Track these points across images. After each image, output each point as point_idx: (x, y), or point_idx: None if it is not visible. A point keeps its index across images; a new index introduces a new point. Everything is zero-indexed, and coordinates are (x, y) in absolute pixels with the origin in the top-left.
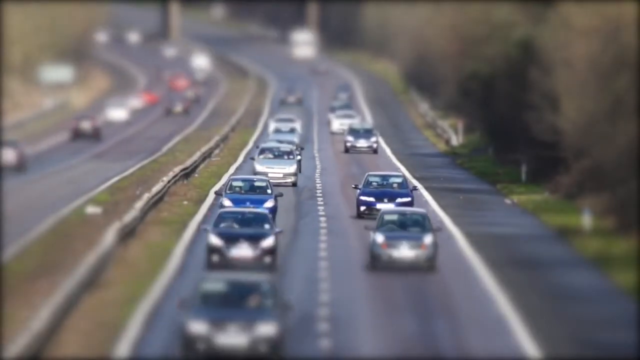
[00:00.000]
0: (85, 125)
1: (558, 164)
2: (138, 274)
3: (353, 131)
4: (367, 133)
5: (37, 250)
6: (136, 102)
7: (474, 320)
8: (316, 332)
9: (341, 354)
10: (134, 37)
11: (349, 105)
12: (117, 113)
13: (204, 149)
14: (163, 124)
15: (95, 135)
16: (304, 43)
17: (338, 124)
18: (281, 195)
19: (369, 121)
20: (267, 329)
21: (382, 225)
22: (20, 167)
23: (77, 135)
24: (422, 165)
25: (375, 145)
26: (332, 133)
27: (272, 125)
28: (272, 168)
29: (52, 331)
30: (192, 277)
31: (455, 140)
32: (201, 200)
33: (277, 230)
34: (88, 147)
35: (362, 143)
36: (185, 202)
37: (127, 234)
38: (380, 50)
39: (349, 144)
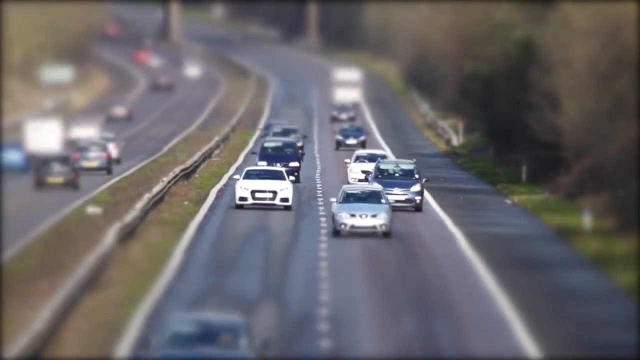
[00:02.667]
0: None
1: (558, 164)
2: (138, 274)
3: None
4: (357, 131)
5: (37, 251)
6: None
7: (474, 320)
8: (316, 332)
9: (341, 354)
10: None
11: (361, 130)
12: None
13: (205, 149)
14: (163, 124)
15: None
16: (348, 83)
17: (358, 170)
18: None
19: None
20: None
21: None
22: (25, 168)
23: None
24: (422, 166)
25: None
26: (352, 180)
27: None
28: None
29: (53, 331)
30: (193, 276)
31: (456, 141)
32: (201, 201)
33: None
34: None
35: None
36: (186, 203)
37: (128, 234)
38: (380, 51)
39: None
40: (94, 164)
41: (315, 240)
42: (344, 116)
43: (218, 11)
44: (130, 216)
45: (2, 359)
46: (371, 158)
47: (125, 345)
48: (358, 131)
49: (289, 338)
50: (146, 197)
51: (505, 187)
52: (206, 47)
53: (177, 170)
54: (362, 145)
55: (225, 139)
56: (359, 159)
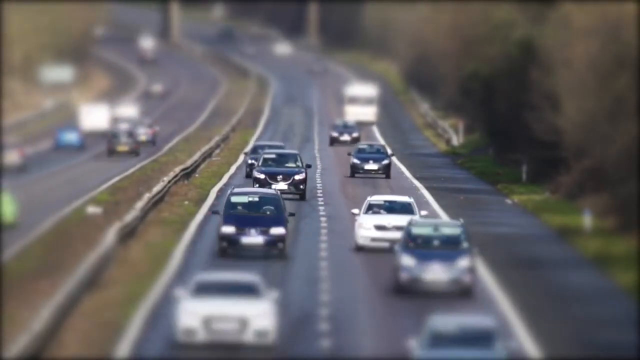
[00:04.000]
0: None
1: (558, 164)
2: (138, 274)
3: (360, 151)
4: (377, 154)
5: (37, 251)
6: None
7: None
8: (316, 332)
9: (341, 354)
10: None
11: (383, 152)
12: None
13: (205, 148)
14: (164, 125)
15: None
16: (362, 100)
17: (371, 225)
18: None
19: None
20: None
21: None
22: (23, 167)
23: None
24: (422, 165)
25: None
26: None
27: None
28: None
29: (53, 331)
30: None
31: (456, 140)
32: (202, 200)
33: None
34: (88, 148)
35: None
36: (186, 202)
37: (128, 234)
38: (380, 50)
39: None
40: (125, 148)
41: (315, 240)
42: (346, 137)
43: (218, 11)
44: (130, 216)
45: (2, 359)
46: (390, 207)
47: (125, 345)
48: (379, 153)
49: (289, 338)
50: (146, 196)
51: (505, 187)
52: (205, 47)
53: (177, 170)
54: (386, 171)
55: (225, 138)
56: (372, 208)
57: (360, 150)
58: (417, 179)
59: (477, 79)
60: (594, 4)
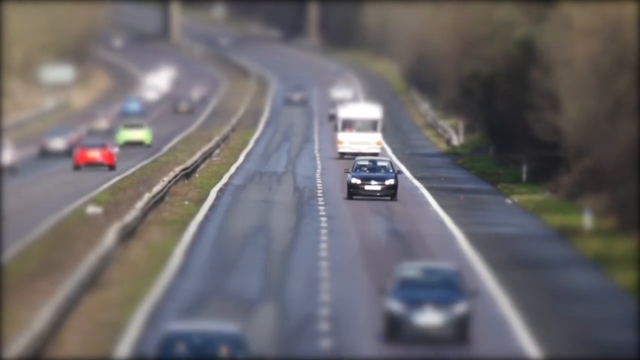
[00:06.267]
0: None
1: (559, 164)
2: (138, 274)
3: (360, 169)
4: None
5: (37, 251)
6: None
7: (474, 320)
8: (316, 332)
9: (341, 354)
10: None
11: (389, 169)
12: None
13: (205, 148)
14: (164, 125)
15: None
16: (362, 125)
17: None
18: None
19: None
20: None
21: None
22: (14, 168)
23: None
24: (422, 165)
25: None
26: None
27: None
28: None
29: (53, 331)
30: (193, 276)
31: (456, 140)
32: (202, 200)
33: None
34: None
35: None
36: (186, 202)
37: (128, 234)
38: (380, 50)
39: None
40: (185, 108)
41: (315, 240)
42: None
43: (218, 11)
44: (130, 216)
45: (2, 359)
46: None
47: (125, 345)
48: (384, 172)
49: (289, 338)
50: (146, 196)
51: (505, 187)
52: (206, 47)
53: (177, 170)
54: (391, 192)
55: (225, 138)
56: (359, 168)
57: (359, 168)
58: (417, 179)
59: (477, 79)
60: (594, 4)
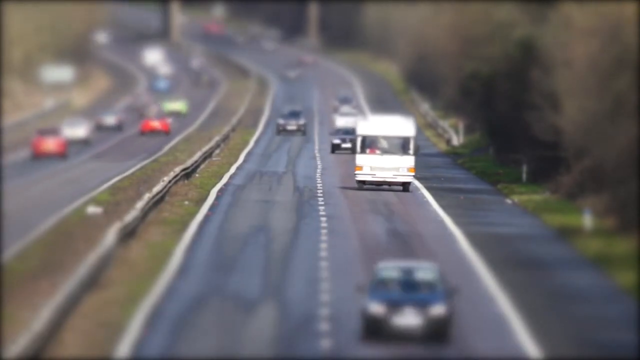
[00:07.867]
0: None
1: (559, 164)
2: (139, 274)
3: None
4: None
5: (38, 250)
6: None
7: (474, 320)
8: (316, 332)
9: (341, 354)
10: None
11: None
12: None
13: (205, 148)
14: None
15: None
16: (390, 147)
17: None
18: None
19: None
20: None
21: None
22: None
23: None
24: (422, 165)
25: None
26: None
27: None
28: None
29: (53, 331)
30: (193, 276)
31: (456, 140)
32: (202, 200)
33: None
34: (89, 148)
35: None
36: (186, 202)
37: (128, 234)
38: (380, 50)
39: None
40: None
41: (315, 240)
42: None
43: (218, 11)
44: (130, 216)
45: (2, 359)
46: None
47: (125, 345)
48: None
49: (289, 338)
50: (147, 196)
51: (505, 186)
52: (206, 47)
53: (177, 170)
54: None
55: (225, 138)
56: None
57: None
58: (417, 179)
59: (477, 79)
60: (594, 4)
